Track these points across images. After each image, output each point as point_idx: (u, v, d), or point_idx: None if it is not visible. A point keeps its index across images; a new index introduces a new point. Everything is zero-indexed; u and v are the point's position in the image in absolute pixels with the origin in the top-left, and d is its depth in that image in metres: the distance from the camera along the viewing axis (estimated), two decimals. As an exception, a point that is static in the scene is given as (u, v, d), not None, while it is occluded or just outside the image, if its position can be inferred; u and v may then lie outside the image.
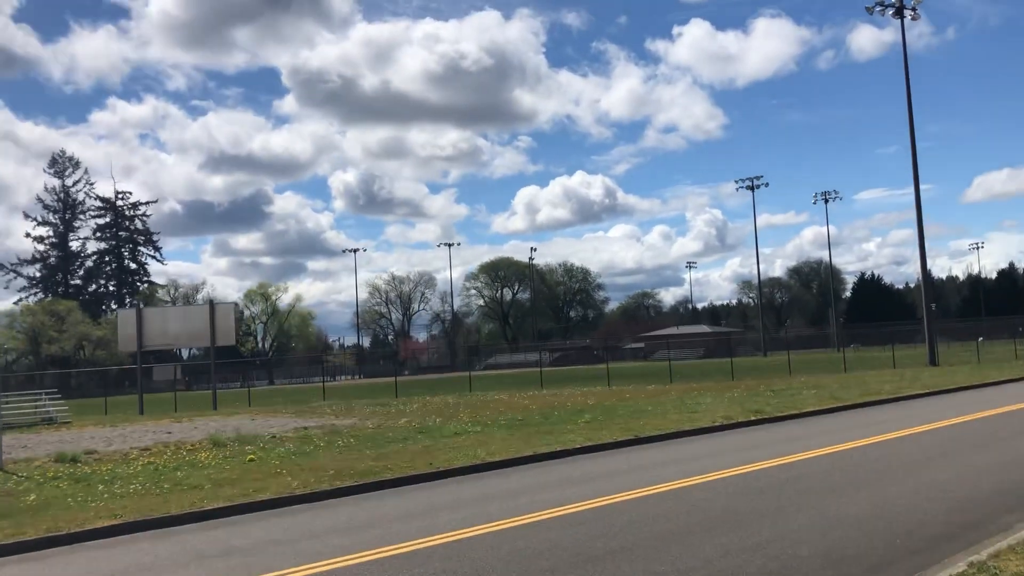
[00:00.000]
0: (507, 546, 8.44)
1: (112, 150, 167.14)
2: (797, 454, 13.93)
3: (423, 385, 50.04)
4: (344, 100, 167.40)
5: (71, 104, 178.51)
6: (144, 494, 12.58)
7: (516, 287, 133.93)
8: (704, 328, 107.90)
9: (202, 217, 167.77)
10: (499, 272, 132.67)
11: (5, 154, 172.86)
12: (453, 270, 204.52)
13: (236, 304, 42.10)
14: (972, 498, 9.73)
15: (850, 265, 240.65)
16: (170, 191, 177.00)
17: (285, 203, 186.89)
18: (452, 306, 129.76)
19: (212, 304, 36.88)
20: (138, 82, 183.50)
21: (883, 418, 19.37)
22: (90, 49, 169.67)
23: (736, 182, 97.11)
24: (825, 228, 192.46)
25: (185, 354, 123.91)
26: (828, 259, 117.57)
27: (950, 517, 8.83)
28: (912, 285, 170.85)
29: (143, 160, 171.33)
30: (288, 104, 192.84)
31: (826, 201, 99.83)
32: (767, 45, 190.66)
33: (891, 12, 43.06)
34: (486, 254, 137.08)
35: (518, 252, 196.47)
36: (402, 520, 10.23)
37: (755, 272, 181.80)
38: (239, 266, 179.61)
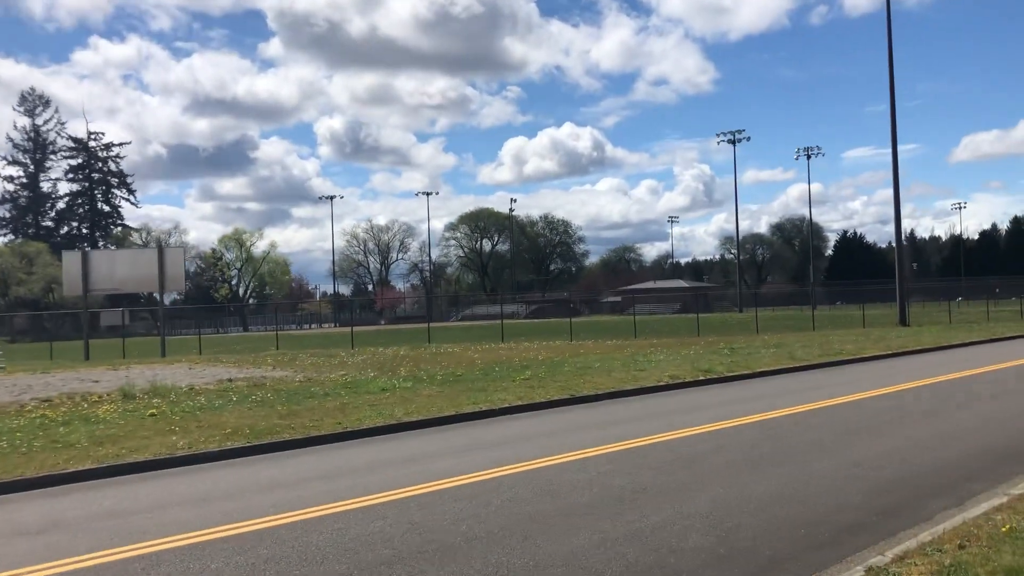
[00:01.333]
0: (357, 528, 7.37)
1: (95, 90, 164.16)
2: (730, 420, 12.93)
3: (385, 336, 48.99)
4: (331, 44, 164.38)
5: (53, 42, 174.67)
6: (9, 453, 11.46)
7: (496, 238, 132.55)
8: (681, 283, 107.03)
9: (186, 161, 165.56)
10: (479, 223, 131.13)
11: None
12: (439, 220, 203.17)
13: (185, 249, 40.53)
14: (900, 478, 8.73)
15: (835, 223, 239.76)
16: (154, 134, 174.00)
17: (270, 149, 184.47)
18: (430, 256, 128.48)
19: (161, 248, 35.53)
20: (121, 21, 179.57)
21: (834, 381, 18.43)
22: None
23: (718, 135, 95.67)
24: (812, 185, 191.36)
25: (168, 299, 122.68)
26: (810, 216, 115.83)
27: (870, 501, 7.82)
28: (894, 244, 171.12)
29: (126, 101, 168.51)
30: (274, 47, 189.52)
31: (808, 157, 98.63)
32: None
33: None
34: (472, 204, 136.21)
35: (504, 203, 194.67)
36: (266, 491, 9.17)
37: (742, 228, 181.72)
38: (223, 211, 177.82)
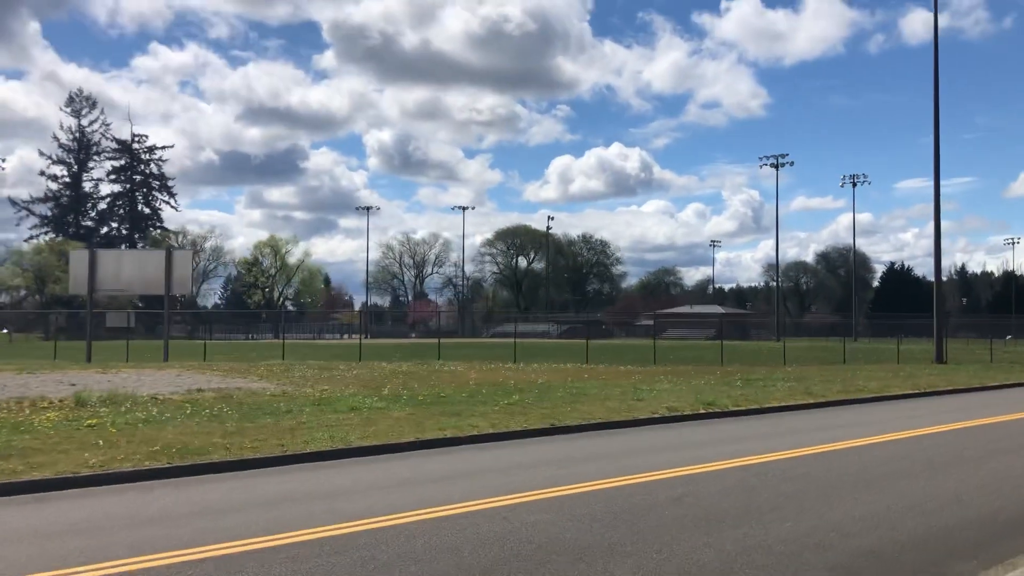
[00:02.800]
0: (194, 584, 6.17)
1: (152, 95, 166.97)
2: (711, 463, 11.51)
3: (401, 350, 47.89)
4: (384, 58, 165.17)
5: (115, 48, 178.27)
6: (-99, 462, 10.46)
7: (532, 255, 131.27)
8: (718, 309, 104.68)
9: (237, 168, 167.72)
10: (515, 240, 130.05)
11: (48, 96, 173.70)
12: (482, 236, 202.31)
13: (194, 252, 39.85)
14: (875, 550, 7.30)
15: (885, 255, 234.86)
16: (207, 140, 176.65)
17: (320, 159, 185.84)
18: (463, 271, 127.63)
19: (169, 250, 34.92)
20: (181, 28, 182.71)
21: (845, 422, 16.85)
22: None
23: (761, 159, 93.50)
24: (863, 215, 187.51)
25: (211, 302, 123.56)
26: (853, 246, 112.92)
27: (830, 581, 6.42)
28: (945, 278, 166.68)
29: (182, 107, 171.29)
30: (327, 59, 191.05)
31: (853, 185, 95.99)
32: (817, 25, 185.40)
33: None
34: (516, 221, 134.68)
35: (552, 223, 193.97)
36: (139, 526, 8.02)
37: (787, 255, 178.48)
38: (272, 219, 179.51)
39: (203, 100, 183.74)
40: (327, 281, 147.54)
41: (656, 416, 17.01)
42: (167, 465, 10.88)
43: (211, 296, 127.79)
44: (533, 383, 23.12)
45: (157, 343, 40.99)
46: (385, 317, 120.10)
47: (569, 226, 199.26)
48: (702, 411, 18.05)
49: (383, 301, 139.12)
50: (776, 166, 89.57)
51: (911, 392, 23.68)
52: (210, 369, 26.92)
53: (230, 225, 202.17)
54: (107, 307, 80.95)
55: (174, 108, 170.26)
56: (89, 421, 13.83)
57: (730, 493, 9.58)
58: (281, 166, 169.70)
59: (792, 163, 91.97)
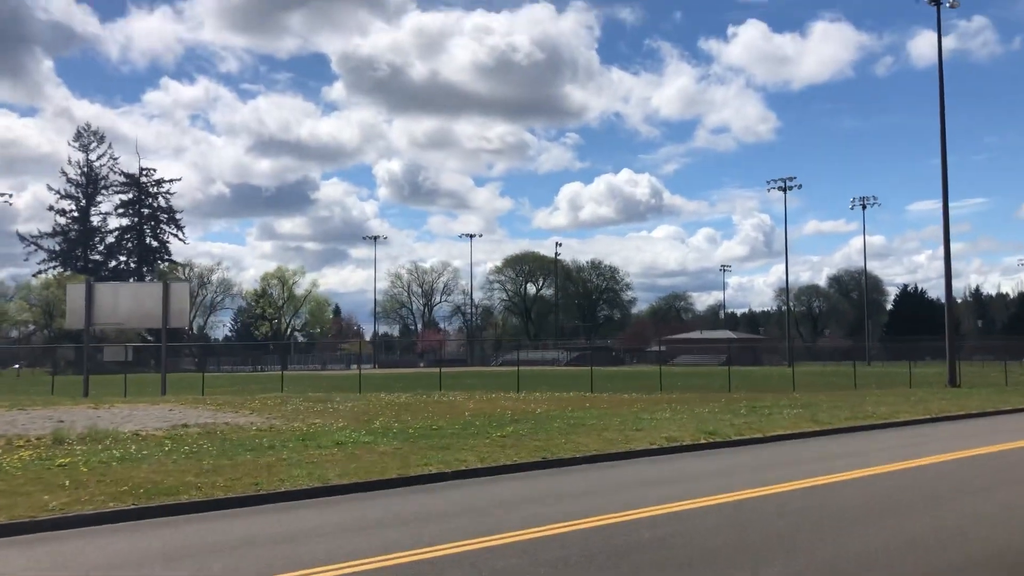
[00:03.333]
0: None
1: (163, 130, 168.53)
2: (701, 498, 10.95)
3: (403, 379, 47.32)
4: (392, 89, 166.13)
5: (126, 83, 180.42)
6: None
7: (541, 282, 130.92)
8: (728, 334, 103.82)
9: (248, 200, 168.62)
10: (524, 266, 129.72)
11: (60, 132, 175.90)
12: (493, 263, 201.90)
13: (199, 284, 39.55)
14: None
15: (899, 277, 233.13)
16: (218, 173, 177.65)
17: (330, 190, 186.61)
18: (471, 299, 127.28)
19: (166, 283, 34.58)
20: (191, 63, 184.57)
21: (849, 450, 16.23)
22: (146, 29, 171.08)
23: (768, 182, 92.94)
24: (875, 237, 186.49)
25: (221, 334, 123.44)
26: (864, 268, 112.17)
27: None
28: (959, 300, 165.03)
29: (193, 141, 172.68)
30: (337, 91, 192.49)
31: (863, 207, 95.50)
32: (825, 49, 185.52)
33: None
34: (526, 248, 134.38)
35: (560, 249, 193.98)
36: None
37: (800, 279, 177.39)
38: (283, 250, 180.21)
39: (214, 133, 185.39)
40: (337, 311, 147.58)
41: (654, 447, 16.44)
42: (131, 507, 10.39)
43: (221, 328, 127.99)
44: (531, 413, 22.56)
45: (158, 377, 40.57)
46: (394, 347, 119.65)
47: (579, 252, 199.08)
48: (703, 441, 17.46)
49: (393, 330, 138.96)
50: (784, 189, 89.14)
51: (921, 418, 22.99)
52: (204, 403, 26.47)
53: (241, 257, 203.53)
54: (114, 340, 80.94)
55: (185, 142, 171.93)
56: (61, 460, 13.37)
57: (719, 531, 9.02)
58: (292, 197, 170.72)
59: (800, 186, 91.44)
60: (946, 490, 11.62)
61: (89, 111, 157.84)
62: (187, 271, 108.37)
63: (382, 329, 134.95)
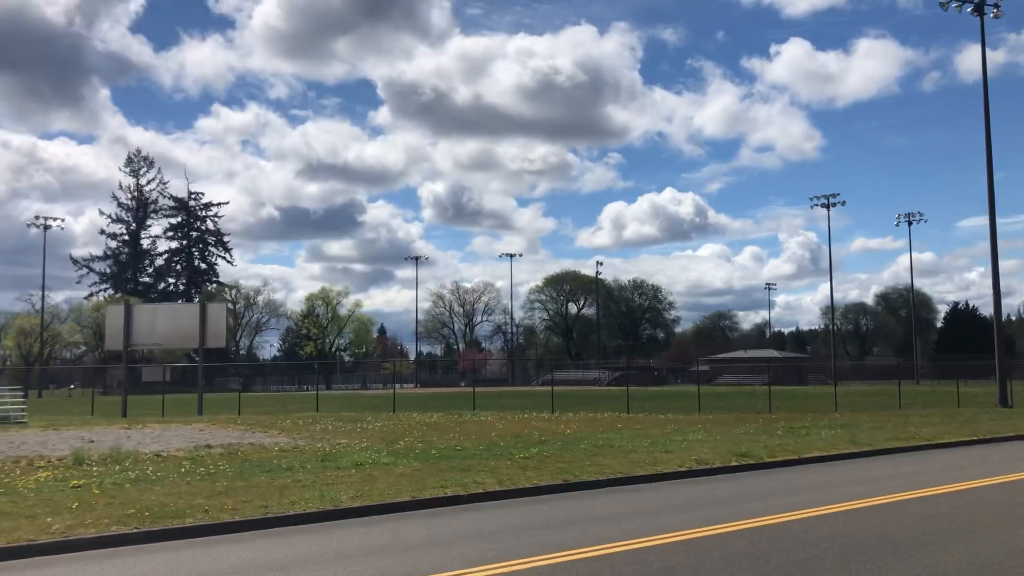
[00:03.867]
0: None
1: (215, 155, 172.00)
2: (723, 524, 10.47)
3: (438, 399, 47.04)
4: (437, 112, 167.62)
5: (179, 110, 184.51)
6: None
7: (582, 302, 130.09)
8: (772, 353, 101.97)
9: (297, 223, 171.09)
10: (565, 286, 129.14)
11: (116, 158, 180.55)
12: (535, 283, 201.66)
13: (228, 306, 39.82)
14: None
15: (950, 295, 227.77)
16: (268, 196, 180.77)
17: (377, 212, 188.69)
18: (512, 319, 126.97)
19: (203, 304, 34.85)
20: (242, 90, 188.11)
21: (886, 473, 15.56)
22: (198, 58, 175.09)
23: (811, 199, 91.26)
24: (924, 255, 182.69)
25: (269, 354, 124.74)
26: (911, 285, 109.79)
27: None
28: (1013, 318, 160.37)
29: (244, 166, 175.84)
30: (383, 115, 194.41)
31: (909, 223, 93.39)
32: (869, 65, 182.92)
33: (969, 9, 38.34)
34: (569, 268, 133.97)
35: (604, 268, 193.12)
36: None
37: (847, 297, 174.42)
38: (331, 271, 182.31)
39: (263, 158, 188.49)
40: (382, 330, 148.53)
41: (682, 469, 15.93)
42: (134, 530, 10.21)
43: (268, 348, 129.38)
44: (560, 434, 22.13)
45: (180, 397, 40.87)
46: (435, 366, 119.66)
47: (623, 271, 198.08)
48: (734, 463, 16.88)
49: (436, 350, 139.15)
50: (827, 206, 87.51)
51: (967, 439, 22.08)
52: (236, 423, 26.46)
53: (291, 278, 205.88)
54: (161, 360, 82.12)
55: (236, 167, 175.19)
56: (76, 482, 13.28)
57: (732, 562, 8.55)
58: (339, 220, 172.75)
59: (844, 203, 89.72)
60: (984, 518, 10.96)
61: (143, 138, 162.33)
62: (234, 293, 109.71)
63: (425, 349, 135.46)
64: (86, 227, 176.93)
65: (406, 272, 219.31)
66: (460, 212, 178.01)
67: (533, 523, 10.96)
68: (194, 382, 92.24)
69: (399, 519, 11.49)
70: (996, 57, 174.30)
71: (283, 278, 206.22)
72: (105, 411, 36.24)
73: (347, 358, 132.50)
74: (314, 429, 23.83)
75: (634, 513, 11.72)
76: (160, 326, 33.72)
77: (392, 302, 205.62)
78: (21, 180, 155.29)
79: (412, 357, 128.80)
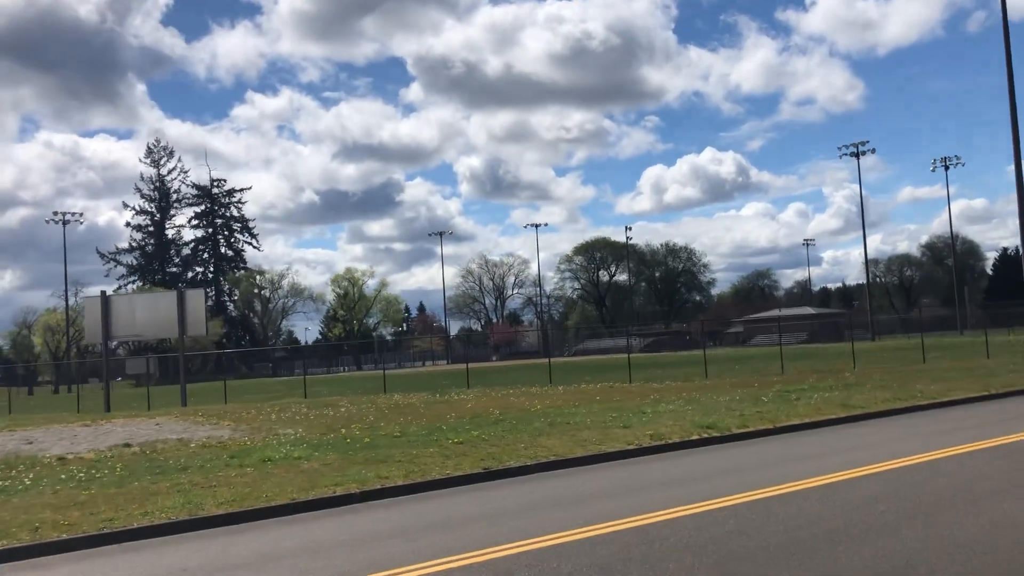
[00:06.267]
0: None
1: (252, 142, 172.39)
2: (653, 513, 8.77)
3: (448, 377, 45.55)
4: (468, 85, 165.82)
5: (214, 100, 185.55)
6: None
7: (614, 268, 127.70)
8: (808, 310, 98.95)
9: (337, 205, 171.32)
10: (595, 253, 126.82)
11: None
12: (565, 253, 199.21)
13: (206, 291, 38.75)
14: None
15: (1004, 240, 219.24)
16: (306, 181, 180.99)
17: (414, 190, 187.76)
18: (540, 289, 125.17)
19: (181, 292, 33.65)
20: (275, 75, 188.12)
21: (867, 441, 13.66)
22: (229, 46, 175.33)
23: (840, 148, 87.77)
24: (976, 201, 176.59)
25: (309, 336, 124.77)
26: (951, 231, 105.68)
27: None
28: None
29: (281, 151, 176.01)
30: (414, 92, 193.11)
31: (946, 168, 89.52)
32: (910, 9, 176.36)
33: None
34: (611, 236, 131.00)
35: (642, 233, 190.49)
36: None
37: (896, 249, 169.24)
38: (373, 252, 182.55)
39: (300, 142, 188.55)
40: (422, 308, 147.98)
41: (631, 448, 14.22)
42: (-76, 558, 8.80)
43: (305, 332, 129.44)
44: (526, 411, 20.45)
45: (213, 385, 40.01)
46: (466, 341, 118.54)
47: (664, 236, 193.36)
48: (694, 437, 15.11)
49: (472, 325, 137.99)
50: (857, 155, 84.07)
51: (978, 395, 19.98)
52: (196, 416, 25.18)
53: (334, 261, 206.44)
54: (190, 349, 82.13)
55: (273, 153, 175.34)
56: (-76, 497, 11.96)
57: (630, 561, 6.82)
58: (378, 200, 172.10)
59: (874, 150, 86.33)
60: (950, 495, 9.07)
61: (181, 130, 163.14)
62: (257, 278, 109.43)
63: (460, 324, 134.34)
64: (121, 221, 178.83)
65: (448, 249, 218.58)
66: (497, 185, 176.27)
67: (424, 523, 9.41)
68: (216, 371, 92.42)
69: (257, 528, 9.98)
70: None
71: (327, 261, 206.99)
72: (100, 406, 35.39)
73: (388, 337, 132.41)
74: (269, 419, 22.45)
75: (552, 503, 10.17)
76: (139, 316, 32.65)
77: (435, 279, 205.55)
78: (65, 179, 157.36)
79: (454, 333, 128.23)
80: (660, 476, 11.76)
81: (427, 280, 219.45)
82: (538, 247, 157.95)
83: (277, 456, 14.35)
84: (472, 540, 8.38)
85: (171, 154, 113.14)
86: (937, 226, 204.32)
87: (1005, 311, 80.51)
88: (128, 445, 17.31)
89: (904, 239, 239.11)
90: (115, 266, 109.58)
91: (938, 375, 25.52)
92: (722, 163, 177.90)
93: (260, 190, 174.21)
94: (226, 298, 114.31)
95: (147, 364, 45.82)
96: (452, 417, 19.82)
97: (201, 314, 32.58)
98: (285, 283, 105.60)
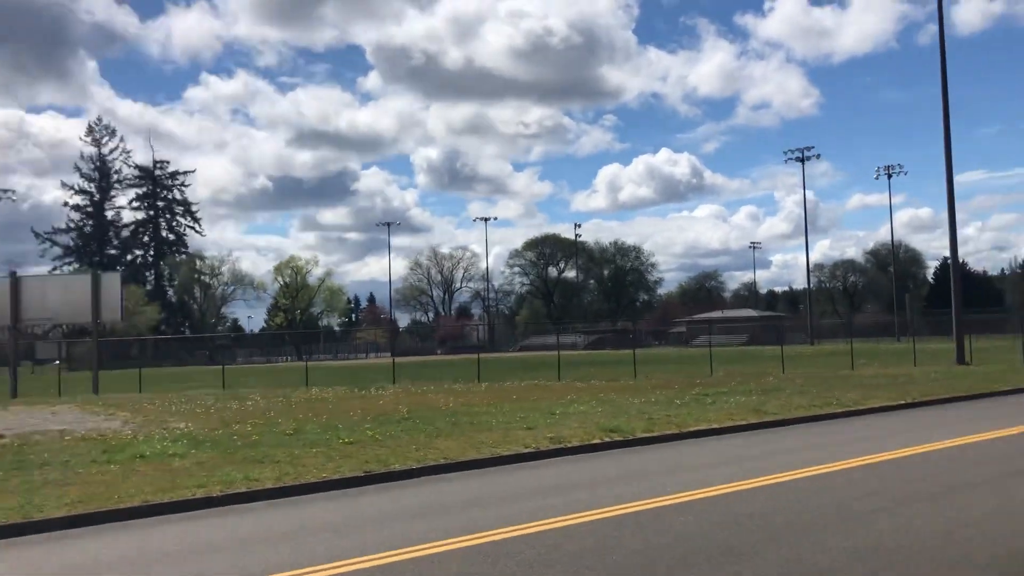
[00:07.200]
0: None
1: (205, 124, 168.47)
2: (516, 527, 8.16)
3: (380, 371, 44.58)
4: (428, 76, 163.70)
5: (168, 81, 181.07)
6: None
7: (563, 265, 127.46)
8: (751, 312, 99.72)
9: (291, 192, 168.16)
10: (545, 249, 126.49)
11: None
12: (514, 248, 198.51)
13: (121, 274, 37.42)
14: None
15: (946, 250, 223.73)
16: (259, 166, 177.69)
17: (370, 180, 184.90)
18: (488, 283, 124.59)
19: (96, 275, 32.35)
20: (230, 58, 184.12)
21: (770, 449, 13.23)
22: (184, 26, 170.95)
23: (785, 153, 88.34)
24: (922, 210, 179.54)
25: (255, 324, 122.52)
26: (892, 239, 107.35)
27: None
28: (1007, 272, 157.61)
29: (234, 135, 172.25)
30: (372, 80, 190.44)
31: (889, 176, 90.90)
32: (866, 19, 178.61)
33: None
34: (566, 232, 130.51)
35: (597, 231, 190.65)
36: None
37: (844, 255, 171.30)
38: (325, 241, 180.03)
39: (254, 127, 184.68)
40: (372, 299, 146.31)
41: (527, 451, 13.64)
42: None
43: (248, 321, 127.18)
44: (436, 409, 19.80)
45: (131, 373, 38.66)
46: (409, 334, 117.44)
47: (620, 234, 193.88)
48: (596, 441, 14.59)
49: (420, 318, 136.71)
50: (802, 160, 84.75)
51: (897, 403, 19.80)
52: (95, 405, 24.11)
53: (286, 249, 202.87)
54: (125, 334, 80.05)
55: (226, 136, 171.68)
56: None
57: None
58: (333, 188, 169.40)
59: (819, 155, 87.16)
60: (826, 513, 8.60)
61: (132, 109, 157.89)
62: (197, 263, 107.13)
63: (408, 316, 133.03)
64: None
65: (402, 240, 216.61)
66: (455, 178, 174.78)
67: (238, 539, 8.64)
68: (159, 356, 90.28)
69: (96, 534, 9.18)
70: (994, 7, 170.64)
71: (278, 248, 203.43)
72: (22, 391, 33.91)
73: (336, 328, 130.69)
74: (169, 411, 21.49)
75: (383, 519, 9.38)
76: (51, 299, 31.26)
77: (387, 270, 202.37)
78: (9, 155, 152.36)
79: (403, 325, 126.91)
80: (541, 483, 11.17)
81: (380, 271, 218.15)
82: (487, 241, 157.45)
83: (151, 452, 13.50)
84: (309, 554, 7.71)
85: (113, 133, 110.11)
86: (884, 233, 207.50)
87: (944, 319, 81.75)
88: (1, 436, 16.29)
89: (852, 245, 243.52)
90: (51, 246, 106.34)
91: (860, 382, 25.44)
92: (677, 164, 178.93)
93: (212, 174, 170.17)
94: (166, 283, 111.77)
95: (59, 349, 44.15)
96: (357, 414, 19.05)
97: (117, 298, 31.29)
98: (225, 269, 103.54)
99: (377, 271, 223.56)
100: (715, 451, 13.67)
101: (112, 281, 31.92)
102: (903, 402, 20.06)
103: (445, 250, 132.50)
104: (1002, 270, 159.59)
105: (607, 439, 14.72)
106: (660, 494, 9.84)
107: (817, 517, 8.50)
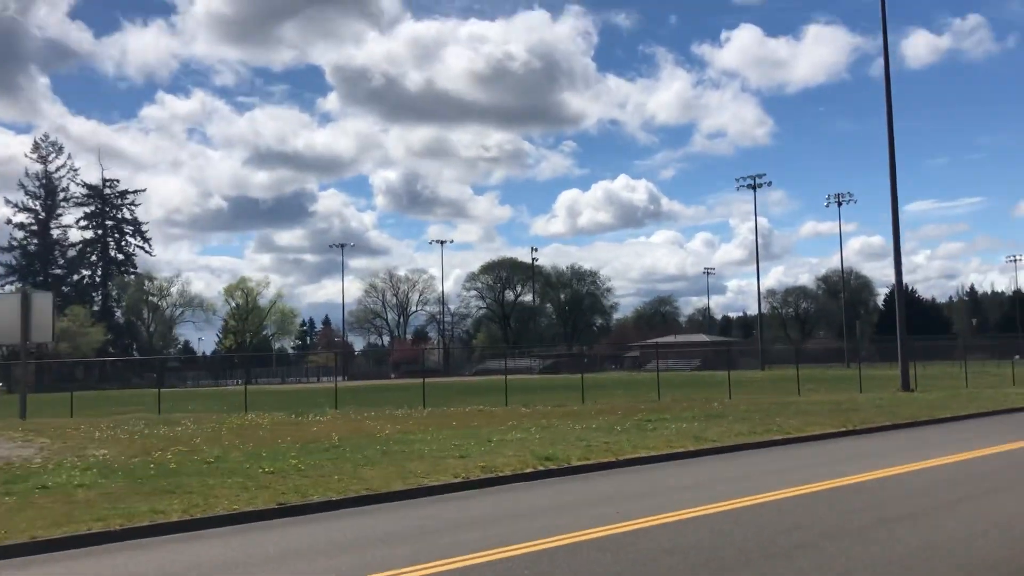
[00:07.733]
0: None
1: (161, 144, 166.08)
2: (426, 564, 7.64)
3: (326, 395, 43.65)
4: (388, 99, 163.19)
5: (123, 98, 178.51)
6: None
7: (519, 289, 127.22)
8: (703, 337, 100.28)
9: (246, 213, 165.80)
10: (501, 273, 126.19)
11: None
12: (470, 271, 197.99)
13: (54, 295, 36.28)
14: None
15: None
16: (215, 186, 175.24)
17: (328, 201, 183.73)
18: (443, 306, 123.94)
19: (26, 294, 31.25)
20: (187, 77, 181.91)
21: (699, 480, 12.87)
22: (140, 44, 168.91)
23: (737, 180, 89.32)
24: (874, 238, 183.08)
25: (207, 347, 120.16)
26: (841, 266, 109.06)
27: None
28: (954, 299, 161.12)
29: (190, 155, 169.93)
30: (331, 102, 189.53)
31: (839, 204, 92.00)
32: (819, 51, 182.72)
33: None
34: (524, 257, 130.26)
35: (557, 255, 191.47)
36: None
37: (797, 281, 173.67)
38: (282, 262, 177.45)
39: (211, 147, 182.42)
40: (327, 321, 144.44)
41: (457, 481, 13.15)
42: None
43: (200, 343, 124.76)
44: (371, 436, 19.22)
45: (57, 396, 37.32)
46: (362, 357, 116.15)
47: (578, 259, 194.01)
48: (529, 470, 14.15)
49: (374, 341, 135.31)
50: (754, 187, 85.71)
51: (835, 431, 19.65)
52: (14, 430, 23.11)
53: (240, 270, 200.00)
54: (68, 355, 77.95)
55: (182, 156, 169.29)
56: None
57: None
58: (289, 209, 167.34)
59: (770, 183, 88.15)
60: (747, 550, 8.25)
61: (85, 127, 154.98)
62: (146, 283, 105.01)
63: (363, 340, 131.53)
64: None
65: (359, 262, 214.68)
66: (415, 200, 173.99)
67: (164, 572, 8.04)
68: (106, 379, 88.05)
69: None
70: (941, 43, 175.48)
71: (232, 269, 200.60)
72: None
73: (290, 351, 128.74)
74: (92, 436, 20.61)
75: (284, 557, 8.87)
76: (-21, 319, 30.07)
77: (347, 291, 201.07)
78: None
79: (359, 348, 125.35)
80: (464, 515, 10.71)
81: (336, 293, 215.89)
82: (443, 264, 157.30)
83: (55, 483, 12.76)
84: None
85: (61, 150, 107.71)
86: (836, 260, 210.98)
87: (892, 345, 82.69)
88: None
89: (805, 271, 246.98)
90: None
91: (803, 408, 25.34)
92: (635, 190, 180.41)
93: (167, 194, 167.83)
94: (113, 304, 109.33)
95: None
96: (286, 442, 18.38)
97: (48, 319, 30.19)
98: (174, 290, 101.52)
99: (333, 293, 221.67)
100: (648, 480, 13.32)
101: (44, 301, 30.80)
102: (843, 429, 19.92)
103: (402, 272, 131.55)
104: (950, 298, 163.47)
105: (541, 468, 14.30)
106: (585, 527, 9.44)
107: (739, 552, 8.14)
